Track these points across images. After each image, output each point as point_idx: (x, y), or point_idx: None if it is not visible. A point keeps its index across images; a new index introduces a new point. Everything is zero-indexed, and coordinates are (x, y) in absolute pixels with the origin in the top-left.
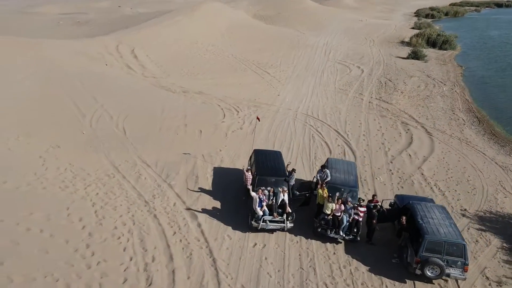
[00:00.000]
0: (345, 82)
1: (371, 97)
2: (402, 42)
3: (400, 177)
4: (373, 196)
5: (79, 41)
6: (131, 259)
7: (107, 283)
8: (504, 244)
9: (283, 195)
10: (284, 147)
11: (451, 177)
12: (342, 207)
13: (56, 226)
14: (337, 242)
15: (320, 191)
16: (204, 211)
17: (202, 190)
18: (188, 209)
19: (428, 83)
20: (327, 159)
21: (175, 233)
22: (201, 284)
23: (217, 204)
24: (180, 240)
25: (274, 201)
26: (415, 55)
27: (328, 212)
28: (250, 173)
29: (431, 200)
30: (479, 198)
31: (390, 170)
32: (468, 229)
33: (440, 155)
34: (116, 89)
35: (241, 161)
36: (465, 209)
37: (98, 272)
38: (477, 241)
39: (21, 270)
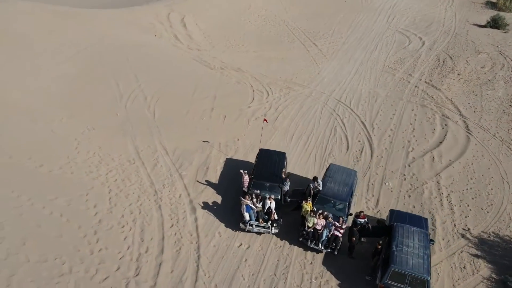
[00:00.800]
0: (397, 58)
1: (420, 80)
2: (488, 3)
3: (411, 184)
4: (360, 212)
5: (131, 10)
6: (128, 248)
7: (102, 269)
8: (493, 275)
9: (270, 203)
10: (301, 140)
11: (470, 188)
12: (324, 222)
13: (74, 212)
14: (318, 252)
15: (305, 205)
16: (205, 205)
17: (208, 183)
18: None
19: (496, 63)
20: (330, 164)
21: (172, 225)
22: (180, 279)
23: (218, 200)
24: (175, 234)
25: (260, 207)
26: (494, 23)
27: (310, 225)
28: (247, 176)
29: (426, 221)
30: (491, 217)
31: (404, 175)
32: (461, 252)
33: (469, 160)
34: (157, 66)
35: (255, 154)
36: (468, 229)
37: (98, 258)
38: (464, 267)
39: (37, 251)
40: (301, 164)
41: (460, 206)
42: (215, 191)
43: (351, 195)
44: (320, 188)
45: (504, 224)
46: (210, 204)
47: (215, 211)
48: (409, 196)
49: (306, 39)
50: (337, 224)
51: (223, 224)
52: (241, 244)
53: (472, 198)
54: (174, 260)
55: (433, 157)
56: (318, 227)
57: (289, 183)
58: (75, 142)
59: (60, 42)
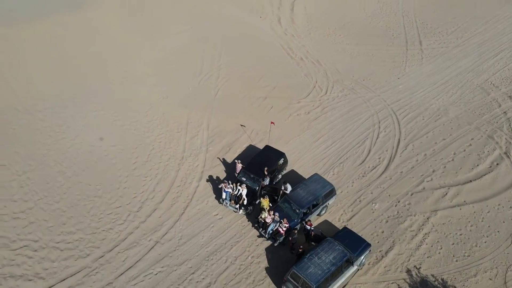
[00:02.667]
0: (507, 76)
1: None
2: None
3: (398, 212)
4: (308, 220)
5: None
6: (141, 192)
7: (119, 200)
8: None
9: (242, 189)
10: (325, 144)
11: (460, 234)
12: (272, 217)
13: (121, 157)
14: (265, 239)
15: (263, 200)
16: (210, 178)
17: (223, 161)
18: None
19: None
20: (314, 174)
21: (179, 185)
22: (162, 223)
23: (222, 176)
24: (177, 192)
25: (235, 192)
26: None
27: (262, 217)
28: (240, 165)
29: (366, 246)
30: (455, 266)
31: (399, 201)
32: (391, 283)
33: (489, 208)
34: (244, 48)
35: (274, 146)
36: (419, 268)
37: (120, 192)
38: None
39: (89, 177)
40: (309, 165)
41: (431, 246)
42: (224, 169)
43: (313, 204)
44: (287, 191)
45: (463, 276)
46: (214, 178)
47: (215, 185)
48: (386, 221)
49: (414, 36)
50: (284, 223)
51: (214, 196)
52: (217, 214)
53: (452, 244)
54: (166, 210)
55: (446, 193)
56: (267, 220)
57: (268, 179)
58: (149, 106)
59: (177, 18)
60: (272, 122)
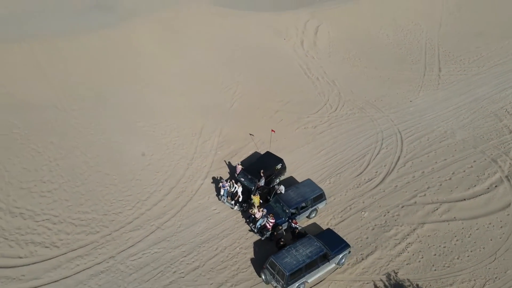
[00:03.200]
0: None
1: None
2: None
3: (386, 221)
4: (294, 218)
5: (275, 14)
6: (151, 185)
7: (131, 189)
8: None
9: (237, 187)
10: (326, 156)
11: (444, 247)
12: (261, 214)
13: (138, 154)
14: (255, 233)
15: (254, 198)
16: (214, 179)
17: (228, 164)
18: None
19: None
20: (307, 179)
21: (185, 182)
22: (165, 213)
23: (225, 177)
24: (183, 187)
25: (231, 189)
26: None
27: (253, 212)
28: (240, 166)
29: (345, 247)
30: (432, 275)
31: (388, 212)
32: (367, 283)
33: (478, 225)
34: (264, 66)
35: (277, 155)
36: (396, 272)
37: (133, 183)
38: None
39: (108, 167)
40: (308, 174)
41: (413, 255)
42: (228, 171)
43: (301, 206)
44: (280, 192)
45: (439, 284)
46: (218, 178)
47: (217, 184)
48: (373, 229)
49: (434, 63)
50: (270, 218)
51: (215, 194)
52: (215, 209)
53: (434, 254)
54: (170, 201)
55: (437, 209)
56: (257, 216)
57: (263, 180)
58: (170, 112)
59: (203, 38)
60: (272, 130)
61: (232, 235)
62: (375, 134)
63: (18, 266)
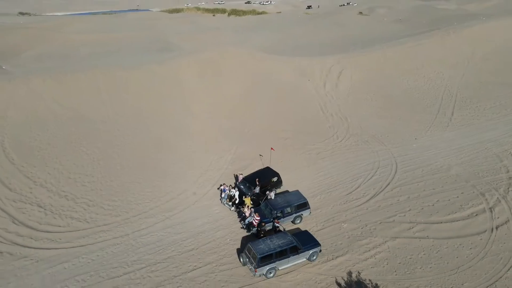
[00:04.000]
0: None
1: None
2: None
3: (361, 233)
4: (277, 217)
5: (308, 59)
6: (169, 186)
7: (151, 189)
8: None
9: (235, 193)
10: (323, 176)
11: (411, 258)
12: (249, 212)
13: (164, 162)
14: (245, 229)
15: (245, 199)
16: (220, 187)
17: (235, 177)
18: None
19: None
20: (296, 190)
21: (197, 187)
22: (174, 208)
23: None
24: (194, 191)
25: (230, 193)
26: None
27: (243, 210)
28: (241, 176)
29: (315, 245)
30: (392, 278)
31: (366, 225)
32: (332, 277)
33: (448, 245)
34: (285, 101)
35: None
36: (360, 273)
37: (155, 183)
38: (319, 282)
39: (140, 173)
40: (302, 190)
41: (379, 261)
42: (234, 181)
43: (286, 210)
44: (270, 197)
45: (396, 286)
46: (225, 187)
47: (222, 190)
48: (348, 237)
49: (449, 107)
50: (255, 217)
51: (219, 198)
52: (216, 210)
53: (399, 263)
54: (181, 200)
55: (413, 227)
56: (246, 214)
57: (258, 188)
58: (197, 132)
59: (242, 74)
60: (272, 148)
61: (225, 229)
62: (373, 163)
63: (58, 232)
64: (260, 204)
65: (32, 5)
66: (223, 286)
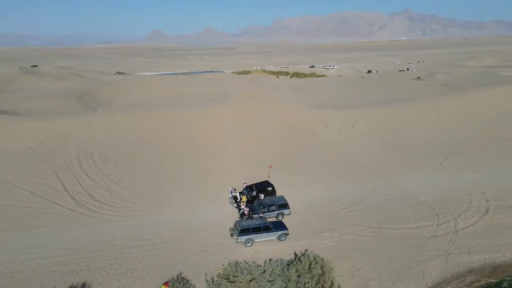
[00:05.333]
0: (503, 190)
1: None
2: None
3: (325, 228)
4: (263, 211)
5: (330, 110)
6: (195, 190)
7: (184, 191)
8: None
9: (238, 195)
10: (310, 193)
11: (349, 248)
12: (243, 206)
13: (191, 177)
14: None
15: (242, 197)
16: (232, 193)
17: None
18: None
19: None
20: (281, 195)
21: (216, 192)
22: (197, 205)
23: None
24: (213, 195)
25: (235, 194)
26: None
27: (240, 204)
28: (245, 184)
29: (284, 229)
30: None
31: (331, 225)
32: (304, 250)
33: (390, 243)
34: (300, 143)
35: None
36: (316, 257)
37: (187, 187)
38: (295, 253)
39: (174, 183)
40: (289, 199)
41: (330, 245)
42: (241, 189)
43: (270, 207)
44: (260, 197)
45: (333, 257)
46: (232, 190)
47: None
48: (314, 231)
49: (445, 153)
50: (245, 209)
51: (229, 201)
52: (225, 208)
53: (345, 249)
54: (202, 199)
55: (366, 229)
56: (242, 206)
57: (255, 192)
58: (226, 156)
59: (270, 119)
60: (270, 166)
61: (227, 218)
62: (355, 187)
63: (117, 207)
64: (253, 202)
65: (127, 67)
66: (218, 246)
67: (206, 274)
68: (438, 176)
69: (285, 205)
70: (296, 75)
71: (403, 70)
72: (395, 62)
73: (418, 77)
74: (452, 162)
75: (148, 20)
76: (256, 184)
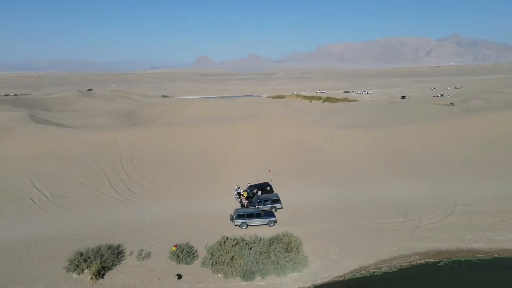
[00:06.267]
0: None
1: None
2: None
3: (308, 222)
4: (259, 202)
5: (337, 129)
6: (211, 188)
7: (202, 186)
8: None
9: (241, 192)
10: (305, 194)
11: (316, 234)
12: (244, 199)
13: (214, 179)
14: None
15: (243, 193)
16: (238, 193)
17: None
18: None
19: None
20: (276, 192)
21: (226, 191)
22: (209, 199)
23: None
24: (224, 191)
25: (239, 191)
26: None
27: (242, 198)
28: (249, 184)
29: (273, 217)
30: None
31: (314, 218)
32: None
33: (353, 234)
34: (306, 154)
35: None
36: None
37: (205, 185)
38: (282, 234)
39: (194, 182)
40: (286, 196)
41: (310, 232)
42: (245, 187)
43: (265, 202)
44: (258, 194)
45: (313, 240)
46: (237, 188)
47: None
48: (299, 221)
49: (432, 168)
50: (246, 201)
51: (235, 197)
52: (231, 201)
53: (322, 233)
54: (215, 195)
55: (342, 222)
56: (242, 200)
57: (255, 190)
58: (239, 164)
59: (281, 135)
60: (269, 170)
61: (231, 210)
62: (345, 192)
63: (146, 198)
64: (252, 197)
65: (172, 90)
66: (220, 227)
67: (206, 244)
68: (421, 187)
69: (277, 201)
70: (328, 99)
71: (437, 96)
72: (432, 88)
73: (451, 103)
74: (438, 176)
75: (195, 47)
76: (257, 184)
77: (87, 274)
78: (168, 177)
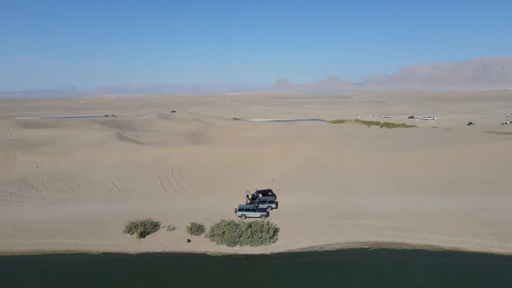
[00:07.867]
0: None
1: None
2: None
3: (296, 216)
4: (259, 202)
5: (355, 152)
6: (226, 191)
7: (221, 190)
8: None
9: (249, 194)
10: (299, 196)
11: (297, 225)
12: (248, 200)
13: (229, 180)
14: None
15: (249, 195)
16: (247, 196)
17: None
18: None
19: None
20: (273, 196)
21: (240, 194)
22: (226, 202)
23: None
24: (232, 195)
25: (247, 195)
26: None
27: (247, 198)
28: (256, 189)
29: (264, 211)
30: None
31: (301, 214)
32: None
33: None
34: (316, 171)
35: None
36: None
37: (226, 189)
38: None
39: (220, 182)
40: (284, 200)
41: (295, 223)
42: (253, 192)
43: (263, 203)
44: (259, 196)
45: (298, 227)
46: (246, 192)
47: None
48: (287, 216)
49: (423, 185)
50: (248, 201)
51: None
52: (240, 202)
53: (304, 224)
54: (231, 197)
55: (329, 217)
56: (247, 201)
57: (260, 195)
58: (258, 176)
59: (300, 156)
60: (272, 180)
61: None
62: (336, 200)
63: (180, 195)
64: (255, 199)
65: (244, 113)
66: (227, 216)
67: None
68: (400, 200)
69: (272, 202)
70: (386, 125)
71: (505, 123)
72: (508, 115)
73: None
74: (419, 193)
75: (275, 69)
76: (262, 190)
77: (135, 235)
78: (203, 182)
